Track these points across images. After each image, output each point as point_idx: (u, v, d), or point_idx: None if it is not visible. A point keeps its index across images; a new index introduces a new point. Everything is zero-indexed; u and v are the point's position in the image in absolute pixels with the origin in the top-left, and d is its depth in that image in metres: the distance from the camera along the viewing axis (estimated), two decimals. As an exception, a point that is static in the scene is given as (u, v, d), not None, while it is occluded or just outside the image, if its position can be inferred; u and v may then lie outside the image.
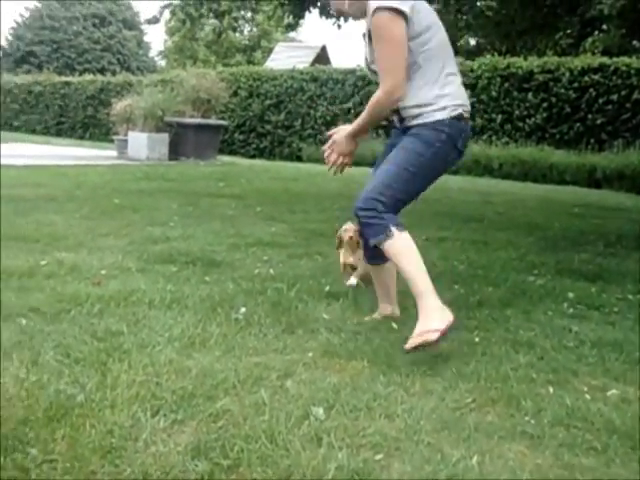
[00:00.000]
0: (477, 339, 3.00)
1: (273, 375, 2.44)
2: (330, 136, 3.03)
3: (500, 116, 14.91)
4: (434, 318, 2.64)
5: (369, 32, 2.76)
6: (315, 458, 1.84)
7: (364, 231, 2.86)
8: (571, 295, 3.81)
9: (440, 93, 2.78)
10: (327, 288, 3.72)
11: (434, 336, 2.58)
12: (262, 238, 5.23)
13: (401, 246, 2.74)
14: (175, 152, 13.43)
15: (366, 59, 2.92)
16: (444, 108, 2.78)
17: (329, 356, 2.70)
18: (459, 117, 2.80)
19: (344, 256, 3.76)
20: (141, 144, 13.27)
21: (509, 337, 3.02)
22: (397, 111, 2.86)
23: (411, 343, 2.60)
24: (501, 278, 4.20)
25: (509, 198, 9.45)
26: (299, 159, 17.29)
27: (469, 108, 2.88)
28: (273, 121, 18.52)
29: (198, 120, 13.72)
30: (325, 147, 3.05)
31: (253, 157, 17.98)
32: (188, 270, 3.97)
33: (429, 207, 8.15)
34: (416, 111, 2.80)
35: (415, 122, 2.81)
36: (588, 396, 2.39)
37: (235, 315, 3.11)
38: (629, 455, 1.98)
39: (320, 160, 14.27)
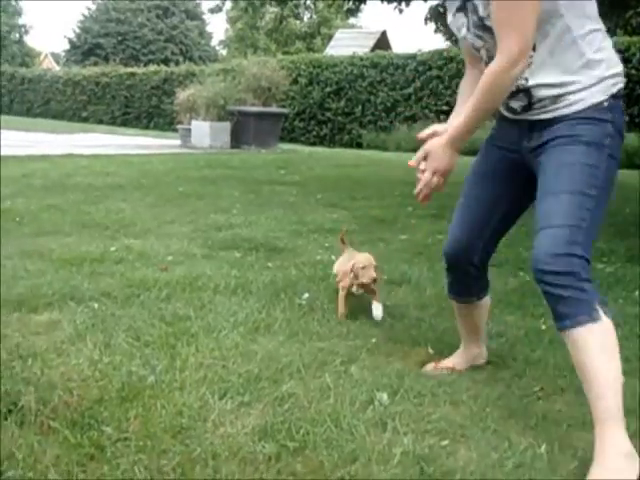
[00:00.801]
0: (544, 327, 2.94)
1: (337, 360, 2.45)
2: (422, 141, 2.09)
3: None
4: (615, 464, 1.70)
5: None
6: (380, 442, 1.85)
7: (554, 305, 1.82)
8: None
9: (592, 58, 1.88)
10: (389, 274, 3.71)
11: None
12: (323, 224, 5.25)
13: (605, 338, 1.79)
14: (237, 140, 13.59)
15: (470, 20, 1.97)
16: (600, 81, 1.88)
17: (392, 342, 2.70)
18: (619, 94, 1.92)
19: (343, 304, 2.97)
20: (204, 133, 13.47)
21: (577, 325, 2.94)
22: (518, 93, 1.95)
23: None
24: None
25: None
26: (359, 146, 17.23)
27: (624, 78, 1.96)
28: (333, 108, 18.49)
29: (259, 108, 13.84)
30: (415, 160, 2.07)
31: (313, 144, 18.01)
32: (251, 256, 4.03)
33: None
34: (556, 91, 1.89)
35: (559, 112, 1.90)
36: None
37: (298, 301, 3.14)
38: None
39: (380, 147, 14.13)
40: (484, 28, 1.92)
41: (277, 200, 6.51)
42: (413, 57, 17.16)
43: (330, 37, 32.20)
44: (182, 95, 14.22)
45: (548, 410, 2.13)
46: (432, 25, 10.91)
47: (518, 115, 2.02)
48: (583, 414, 2.09)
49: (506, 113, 2.08)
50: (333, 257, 4.08)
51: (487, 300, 2.44)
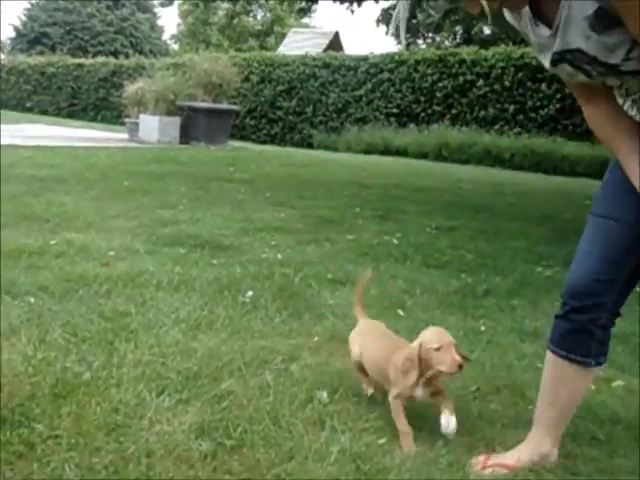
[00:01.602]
0: (483, 328, 3.00)
1: (278, 358, 2.45)
2: None
3: (513, 106, 14.79)
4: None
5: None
6: (318, 441, 1.85)
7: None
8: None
9: None
10: (334, 274, 3.72)
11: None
12: (271, 223, 5.23)
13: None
14: (186, 136, 13.42)
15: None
16: None
17: (335, 341, 2.70)
18: None
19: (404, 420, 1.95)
20: (152, 127, 13.27)
21: (515, 326, 3.02)
22: None
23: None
24: (509, 268, 4.19)
25: (520, 189, 9.39)
26: (310, 146, 17.25)
27: None
28: (284, 107, 18.47)
29: (209, 104, 13.70)
30: None
31: (264, 143, 17.94)
32: (196, 253, 3.98)
33: (440, 196, 8.13)
34: None
35: None
36: (593, 387, 2.39)
37: (242, 298, 3.12)
38: (632, 446, 1.98)
39: (330, 147, 14.15)
40: (619, 73, 1.56)
41: (225, 197, 6.46)
42: (365, 59, 17.28)
43: (283, 36, 32.17)
44: (131, 88, 13.97)
45: (484, 410, 2.17)
46: (383, 27, 10.98)
47: None
48: (517, 414, 2.15)
49: None
50: (279, 255, 4.08)
51: (594, 373, 1.93)
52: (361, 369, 2.18)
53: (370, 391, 2.18)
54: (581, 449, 1.95)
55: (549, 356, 1.87)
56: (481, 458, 1.84)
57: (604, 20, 1.45)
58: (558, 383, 1.84)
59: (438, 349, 1.82)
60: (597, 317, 1.77)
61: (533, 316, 3.18)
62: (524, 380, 2.39)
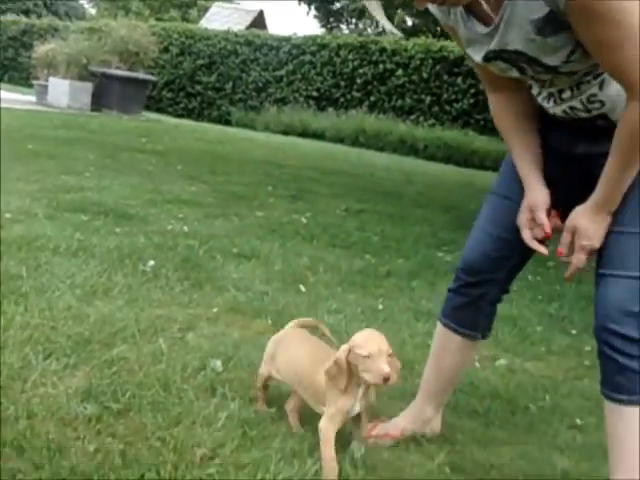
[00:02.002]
0: (381, 306, 3.08)
1: (175, 327, 2.43)
2: (556, 226, 1.67)
3: (429, 98, 15.13)
4: None
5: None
6: (207, 407, 1.85)
7: (611, 371, 1.56)
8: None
9: None
10: (240, 248, 3.72)
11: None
12: (180, 196, 5.16)
13: None
14: (98, 103, 12.95)
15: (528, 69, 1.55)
16: None
17: (234, 313, 2.71)
18: None
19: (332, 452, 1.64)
20: (62, 91, 12.72)
21: (412, 306, 3.11)
22: (591, 120, 1.60)
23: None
24: (412, 251, 4.31)
25: (430, 179, 9.65)
26: (228, 123, 17.04)
27: None
28: (204, 82, 18.14)
29: (124, 72, 13.26)
30: (564, 247, 1.62)
31: (181, 117, 17.56)
32: (99, 221, 3.88)
33: (353, 180, 8.23)
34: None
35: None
36: (478, 364, 2.51)
37: (143, 268, 3.07)
38: (508, 419, 2.10)
39: (249, 126, 13.99)
40: (556, 73, 1.53)
41: (135, 168, 6.30)
42: (287, 40, 17.20)
43: (207, 10, 31.50)
44: (41, 49, 13.35)
45: (373, 382, 2.24)
46: (305, 7, 10.96)
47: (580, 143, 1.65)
48: (404, 386, 2.22)
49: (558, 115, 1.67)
50: (185, 228, 4.03)
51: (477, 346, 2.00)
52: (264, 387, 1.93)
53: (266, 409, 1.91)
54: (461, 421, 2.05)
55: (439, 328, 1.94)
56: (367, 426, 1.89)
57: (553, 24, 1.41)
58: (445, 353, 1.92)
59: (366, 357, 1.58)
60: (487, 292, 1.84)
61: (430, 297, 3.29)
62: (415, 356, 2.48)
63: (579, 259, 1.58)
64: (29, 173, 5.05)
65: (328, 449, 1.59)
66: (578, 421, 2.13)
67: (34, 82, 13.81)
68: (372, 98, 15.77)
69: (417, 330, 2.78)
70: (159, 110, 17.74)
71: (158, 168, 6.55)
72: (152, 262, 3.15)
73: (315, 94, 16.50)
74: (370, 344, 1.60)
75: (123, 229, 3.77)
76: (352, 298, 3.14)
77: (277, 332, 2.00)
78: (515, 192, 1.74)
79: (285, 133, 15.16)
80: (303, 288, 3.17)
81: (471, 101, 14.60)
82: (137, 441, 1.61)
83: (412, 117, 15.03)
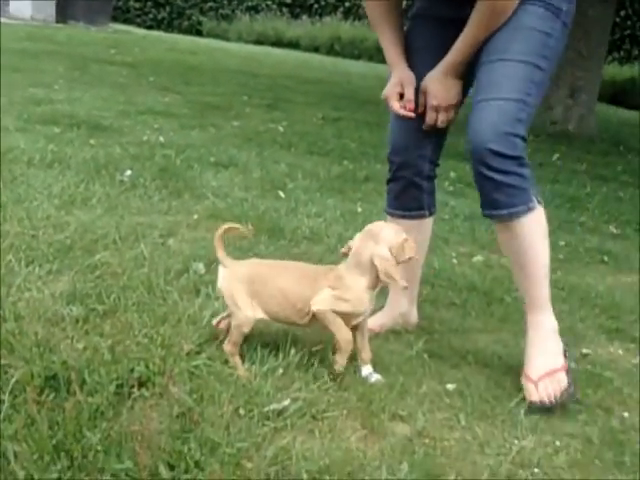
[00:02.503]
0: (360, 209, 3.11)
1: (155, 233, 2.44)
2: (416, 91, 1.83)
3: (404, 2, 14.71)
4: (551, 351, 1.75)
5: None
6: (192, 307, 1.89)
7: (489, 190, 1.68)
8: (453, 175, 3.99)
9: None
10: (217, 157, 3.70)
11: (562, 380, 1.69)
12: (154, 107, 5.06)
13: (538, 226, 1.74)
14: (63, 14, 12.45)
15: None
16: None
17: (214, 219, 2.72)
18: None
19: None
20: (25, 2, 12.18)
21: (390, 209, 3.14)
22: None
23: (535, 398, 1.65)
24: (389, 157, 4.31)
25: (408, 85, 9.51)
26: (199, 34, 16.52)
27: None
28: (172, -10, 17.45)
29: (89, -19, 12.69)
30: (406, 102, 1.82)
31: (150, 28, 16.96)
32: (72, 132, 3.81)
33: (329, 88, 8.12)
34: None
35: None
36: (455, 261, 2.57)
37: (120, 177, 3.05)
38: (484, 310, 2.17)
39: (221, 36, 13.66)
40: None
41: (105, 79, 6.15)
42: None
43: None
44: (-1, -43, 12.64)
45: (354, 280, 2.29)
46: None
47: None
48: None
49: None
50: (161, 138, 3.99)
51: (431, 224, 2.04)
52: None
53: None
54: (439, 313, 2.12)
55: (389, 220, 1.98)
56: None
57: None
58: None
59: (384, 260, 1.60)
60: (421, 169, 1.92)
61: (408, 200, 3.32)
62: (393, 255, 2.53)
63: (431, 117, 1.79)
64: (-5, 87, 4.90)
65: (342, 327, 1.61)
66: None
67: (-7, -7, 13.16)
68: (347, 4, 15.35)
69: (395, 231, 2.83)
70: (126, 21, 17.12)
71: (129, 80, 6.40)
72: (129, 172, 3.13)
73: (288, 1, 15.98)
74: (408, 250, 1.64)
75: (98, 140, 3.72)
76: (331, 202, 3.16)
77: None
78: (414, 66, 1.86)
79: (258, 43, 14.77)
80: (282, 194, 3.18)
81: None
82: (125, 339, 1.65)
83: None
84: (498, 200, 1.67)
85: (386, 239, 1.63)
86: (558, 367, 1.71)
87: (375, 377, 1.66)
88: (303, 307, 1.63)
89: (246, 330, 1.62)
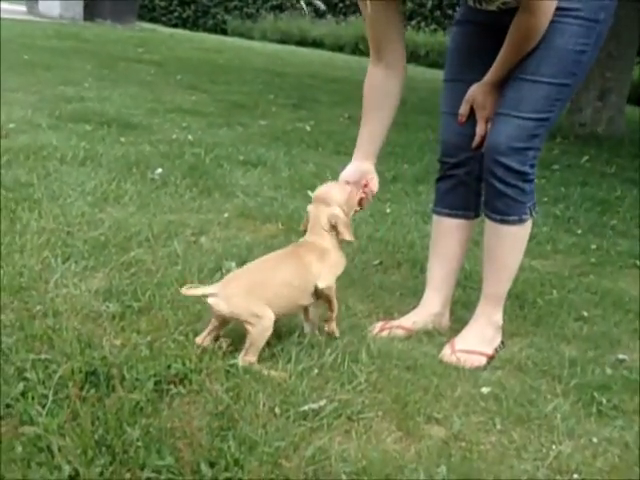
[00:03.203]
0: (389, 210, 3.10)
1: (188, 231, 2.46)
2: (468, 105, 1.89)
3: (431, 2, 14.65)
4: (486, 338, 1.89)
5: None
6: (225, 305, 1.90)
7: (491, 195, 1.83)
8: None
9: None
10: (246, 156, 3.71)
11: (481, 360, 1.83)
12: (182, 105, 5.10)
13: (522, 238, 1.88)
14: (91, 13, 12.55)
15: None
16: None
17: (244, 217, 2.74)
18: None
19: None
20: (53, 2, 12.32)
21: (419, 209, 3.14)
22: None
23: (447, 358, 1.82)
24: (417, 157, 4.30)
25: (433, 85, 9.45)
26: (224, 32, 16.56)
27: None
28: (198, -12, 17.52)
29: (116, -20, 12.79)
30: (464, 115, 1.89)
31: (175, 26, 17.06)
32: (103, 130, 3.85)
33: (354, 88, 8.06)
34: None
35: None
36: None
37: (151, 175, 3.07)
38: (517, 313, 2.15)
39: (245, 35, 13.63)
40: None
41: (133, 78, 6.19)
42: (284, -58, 16.49)
43: None
44: (28, -44, 12.81)
45: (384, 281, 2.29)
46: None
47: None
48: (415, 285, 2.27)
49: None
50: (190, 137, 4.01)
51: (474, 227, 2.06)
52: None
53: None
54: (471, 315, 2.09)
55: (435, 219, 2.05)
56: (380, 323, 1.96)
57: None
58: (445, 240, 2.02)
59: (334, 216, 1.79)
60: (472, 169, 1.95)
61: (437, 201, 3.31)
62: (424, 256, 2.49)
63: (481, 128, 1.86)
64: (27, 84, 4.97)
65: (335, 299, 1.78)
66: (584, 313, 2.19)
67: (23, -9, 13.34)
68: (372, 3, 15.27)
69: (425, 232, 2.80)
70: (152, 20, 17.22)
71: (157, 78, 6.44)
72: (160, 170, 3.15)
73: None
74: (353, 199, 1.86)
75: (128, 138, 3.75)
76: (360, 202, 3.16)
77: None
78: (461, 72, 1.93)
79: (282, 42, 14.78)
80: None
81: (475, 4, 14.13)
82: (161, 336, 1.66)
83: (413, 22, 14.61)
84: (496, 205, 1.82)
85: (334, 199, 1.82)
86: (484, 352, 1.84)
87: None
88: (308, 287, 1.72)
89: (269, 334, 1.63)
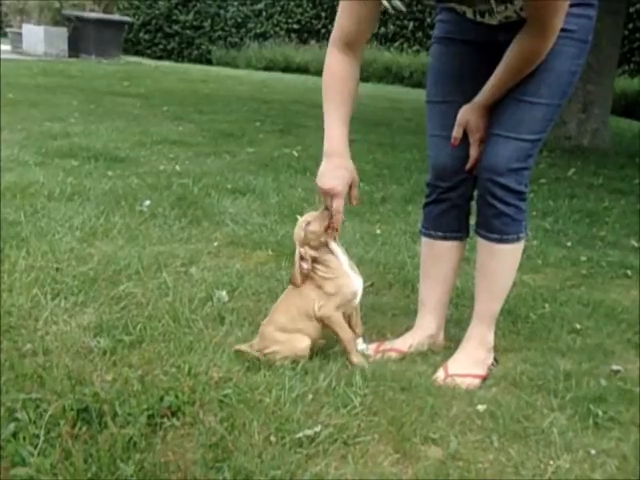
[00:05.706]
0: (379, 231, 3.11)
1: (177, 262, 2.46)
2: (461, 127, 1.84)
3: (412, 23, 14.83)
4: (479, 360, 1.89)
5: None
6: (217, 335, 1.90)
7: (488, 215, 1.81)
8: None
9: None
10: (234, 184, 3.72)
11: (475, 383, 1.83)
12: (169, 137, 5.11)
13: (516, 257, 1.89)
14: (75, 49, 12.64)
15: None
16: None
17: (234, 246, 2.74)
18: None
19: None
20: (37, 38, 12.39)
21: (409, 229, 3.14)
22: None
23: (440, 379, 1.81)
24: (405, 177, 4.32)
25: (418, 105, 9.52)
26: (209, 62, 16.70)
27: None
28: (181, 21, 17.65)
29: (99, 15, 12.92)
30: (457, 138, 1.84)
31: (160, 58, 17.18)
32: (90, 165, 3.86)
33: (339, 112, 8.14)
34: None
35: None
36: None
37: (139, 208, 3.08)
38: (510, 328, 2.15)
39: (230, 64, 13.69)
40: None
41: (120, 111, 6.22)
42: (265, -29, 16.70)
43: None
44: (11, -5, 12.93)
45: (376, 302, 2.29)
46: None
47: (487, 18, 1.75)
48: (407, 305, 2.27)
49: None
50: (178, 167, 4.02)
51: (465, 246, 2.05)
52: None
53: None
54: (464, 333, 2.09)
55: (427, 242, 2.02)
56: (374, 345, 1.96)
57: None
58: (439, 262, 2.00)
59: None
60: (465, 191, 1.93)
61: (425, 220, 3.32)
62: (415, 276, 2.51)
63: (475, 150, 1.83)
64: (13, 122, 4.98)
65: (345, 329, 1.83)
66: (577, 325, 2.19)
67: (7, 30, 13.44)
68: (354, 27, 15.43)
69: (415, 251, 2.81)
70: (137, 53, 17.34)
71: (143, 110, 6.47)
72: (148, 202, 3.15)
73: (296, 26, 16.17)
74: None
75: (115, 172, 3.76)
76: (349, 225, 3.17)
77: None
78: (452, 93, 1.88)
79: (268, 69, 14.90)
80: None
81: (455, 24, 14.30)
82: (153, 369, 1.65)
83: (396, 44, 14.77)
84: (494, 225, 1.81)
85: (297, 240, 1.85)
86: (478, 374, 1.84)
87: (362, 346, 1.90)
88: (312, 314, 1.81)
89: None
